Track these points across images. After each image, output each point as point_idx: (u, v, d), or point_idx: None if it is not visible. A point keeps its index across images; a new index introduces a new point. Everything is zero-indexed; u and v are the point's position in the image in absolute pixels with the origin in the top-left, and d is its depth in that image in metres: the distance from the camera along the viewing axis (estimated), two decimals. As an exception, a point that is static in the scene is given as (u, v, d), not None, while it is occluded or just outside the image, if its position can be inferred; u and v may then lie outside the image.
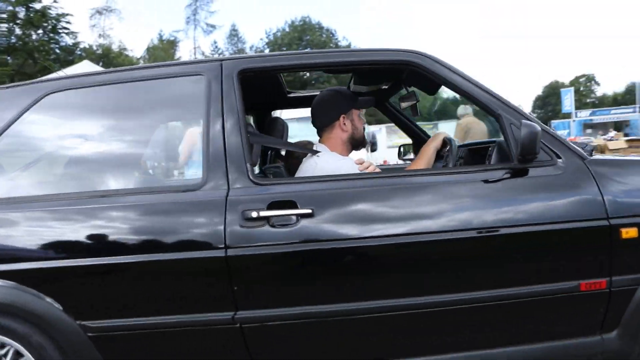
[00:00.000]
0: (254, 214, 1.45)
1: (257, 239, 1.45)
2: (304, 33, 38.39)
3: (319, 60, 1.71)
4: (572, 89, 28.58)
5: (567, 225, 1.49)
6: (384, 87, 2.41)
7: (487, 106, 1.61)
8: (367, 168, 1.81)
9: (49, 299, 1.46)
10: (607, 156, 1.76)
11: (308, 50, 1.84)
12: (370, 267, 1.48)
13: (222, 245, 1.45)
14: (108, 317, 1.48)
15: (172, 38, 32.86)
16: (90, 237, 1.49)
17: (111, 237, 1.49)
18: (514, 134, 1.54)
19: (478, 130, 5.21)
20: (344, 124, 1.91)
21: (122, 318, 1.48)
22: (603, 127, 23.65)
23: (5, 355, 1.51)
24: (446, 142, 1.90)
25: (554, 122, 28.15)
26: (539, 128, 1.45)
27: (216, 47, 36.58)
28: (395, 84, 2.34)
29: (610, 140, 10.58)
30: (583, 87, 40.59)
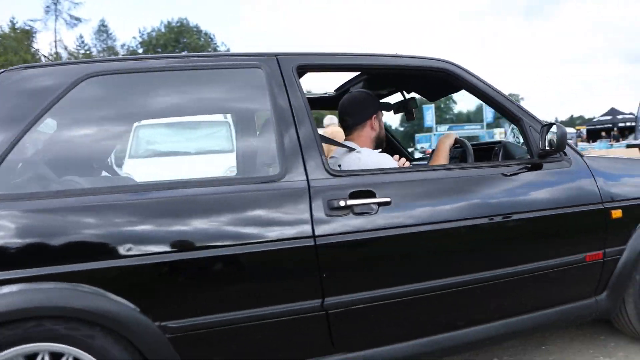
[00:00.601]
0: (342, 203, 1.52)
1: (343, 227, 1.52)
2: (180, 35, 36.92)
3: (369, 62, 1.84)
4: (432, 105, 32.12)
5: (576, 209, 1.84)
6: (382, 92, 2.60)
7: (510, 111, 1.90)
8: (404, 164, 1.98)
9: (124, 301, 1.34)
10: (595, 155, 2.19)
11: (361, 52, 1.94)
12: (444, 249, 1.66)
13: (311, 234, 1.49)
14: (190, 316, 1.40)
15: (27, 27, 28.81)
16: (170, 230, 1.40)
17: (193, 230, 1.42)
18: (533, 135, 1.86)
19: (342, 138, 5.54)
20: (374, 123, 2.06)
21: (205, 315, 1.41)
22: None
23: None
24: (457, 140, 2.16)
25: (418, 135, 31.40)
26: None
27: (82, 42, 33.16)
28: (393, 90, 2.55)
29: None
30: (443, 105, 45.94)
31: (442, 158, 2.09)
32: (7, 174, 1.36)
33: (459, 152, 2.29)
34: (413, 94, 2.50)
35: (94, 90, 1.53)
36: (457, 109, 50.71)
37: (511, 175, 1.82)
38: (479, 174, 1.78)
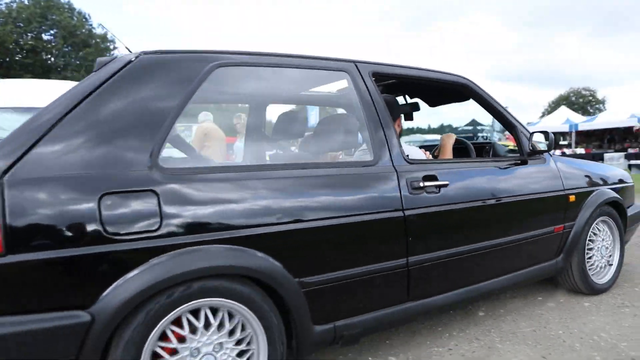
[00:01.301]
0: (420, 184, 1.95)
1: (421, 202, 1.96)
2: (49, 11, 32.96)
3: (416, 74, 2.28)
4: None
5: (549, 194, 2.52)
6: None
7: (507, 120, 2.51)
8: (428, 156, 2.47)
9: (275, 261, 1.59)
10: (556, 156, 2.90)
11: (416, 65, 2.25)
12: (489, 219, 2.19)
13: (401, 207, 1.89)
14: (319, 273, 1.70)
15: None
16: (304, 201, 1.69)
17: (320, 202, 1.72)
18: (522, 139, 2.50)
19: (216, 134, 5.67)
20: (400, 122, 2.52)
21: (329, 273, 1.73)
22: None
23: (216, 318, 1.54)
24: (457, 140, 2.72)
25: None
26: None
27: None
28: (399, 94, 3.02)
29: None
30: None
31: (448, 154, 2.63)
32: (167, 152, 1.52)
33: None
34: (412, 99, 3.01)
35: (221, 79, 1.73)
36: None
37: (509, 168, 2.42)
38: (490, 167, 2.35)
